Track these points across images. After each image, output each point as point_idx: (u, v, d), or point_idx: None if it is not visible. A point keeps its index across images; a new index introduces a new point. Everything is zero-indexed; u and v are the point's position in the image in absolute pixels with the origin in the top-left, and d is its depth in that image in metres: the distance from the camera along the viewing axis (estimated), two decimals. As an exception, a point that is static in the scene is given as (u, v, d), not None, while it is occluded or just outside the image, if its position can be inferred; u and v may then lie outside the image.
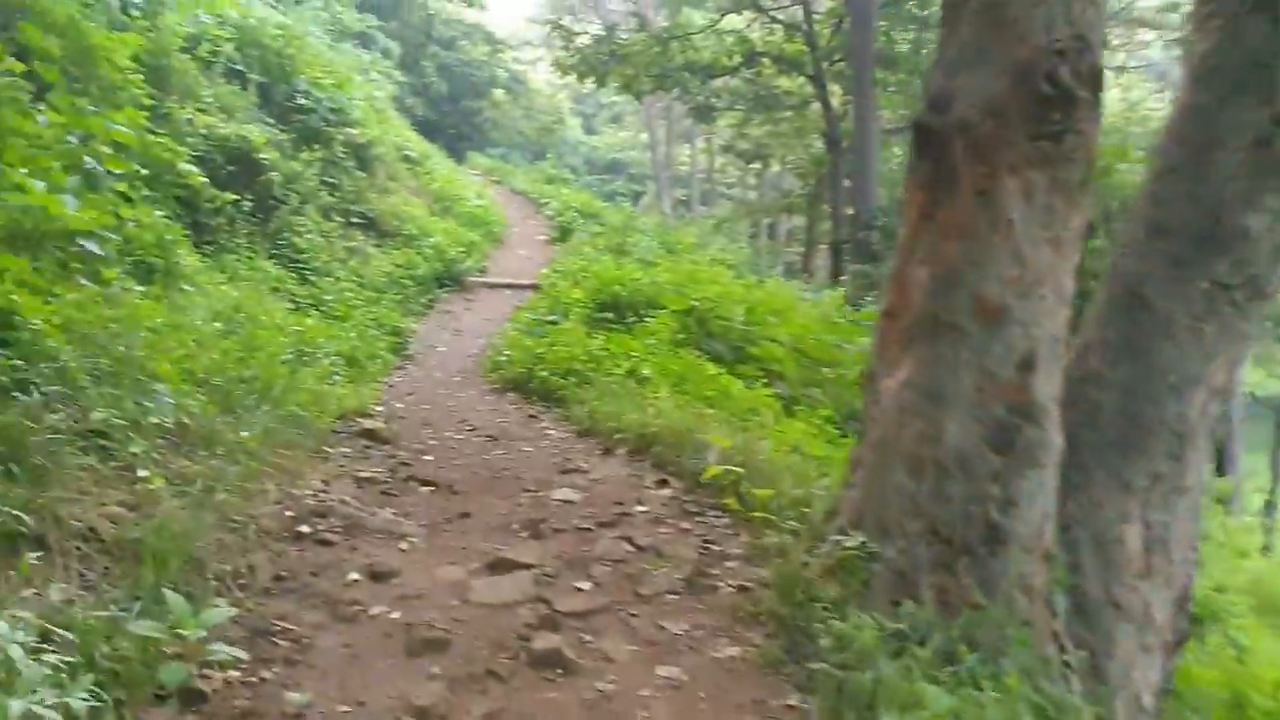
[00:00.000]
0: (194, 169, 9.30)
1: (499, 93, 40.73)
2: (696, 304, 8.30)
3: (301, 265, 10.51)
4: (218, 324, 7.21)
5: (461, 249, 13.16)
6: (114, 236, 6.33)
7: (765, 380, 7.83)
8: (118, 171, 7.25)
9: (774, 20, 23.84)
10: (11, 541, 2.74)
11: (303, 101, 12.95)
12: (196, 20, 12.43)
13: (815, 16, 23.68)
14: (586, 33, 22.08)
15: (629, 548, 3.73)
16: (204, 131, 10.33)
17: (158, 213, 8.06)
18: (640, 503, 4.27)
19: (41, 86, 8.16)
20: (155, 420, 3.71)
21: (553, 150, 43.33)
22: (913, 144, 3.91)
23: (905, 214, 3.92)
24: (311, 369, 6.58)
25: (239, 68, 12.54)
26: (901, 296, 3.87)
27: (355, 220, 12.39)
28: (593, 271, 11.43)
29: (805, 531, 3.80)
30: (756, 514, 3.84)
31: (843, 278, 23.95)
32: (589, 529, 3.93)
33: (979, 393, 3.64)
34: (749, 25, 26.28)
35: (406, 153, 16.59)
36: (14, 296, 3.78)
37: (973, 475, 3.62)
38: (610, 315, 9.46)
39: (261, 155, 11.02)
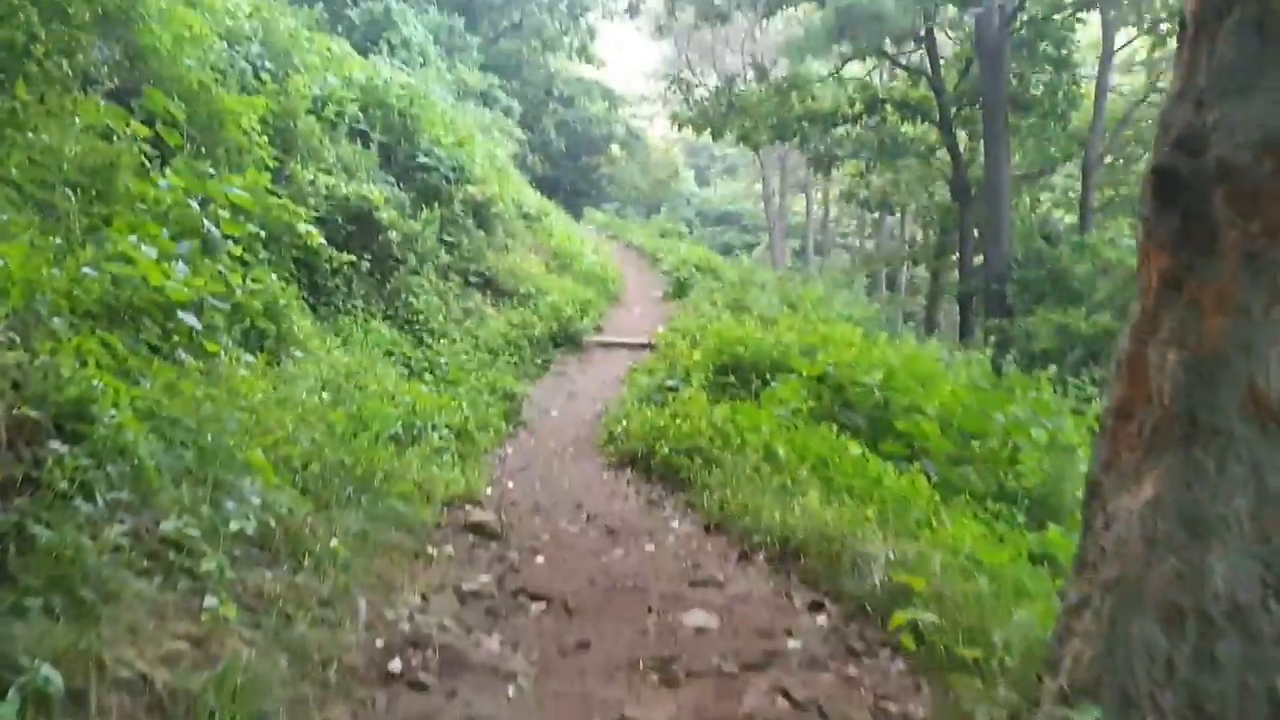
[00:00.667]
0: (313, 229, 9.21)
1: (616, 148, 41.20)
2: (831, 369, 7.50)
3: (417, 327, 10.28)
4: (325, 394, 6.91)
5: (578, 307, 12.78)
6: (222, 305, 6.11)
7: (911, 457, 6.95)
8: (235, 235, 7.13)
9: (898, 65, 23.01)
10: (44, 704, 2.24)
11: (424, 160, 12.96)
12: (324, 82, 12.69)
13: (941, 60, 22.74)
14: (705, 85, 21.83)
15: (784, 703, 2.98)
16: (324, 192, 10.31)
17: (274, 275, 7.93)
18: (791, 634, 3.51)
19: (168, 150, 8.22)
20: (236, 526, 3.23)
21: (667, 203, 43.41)
22: (1149, 195, 3.08)
23: (1140, 281, 3.09)
24: (419, 447, 6.14)
25: (363, 128, 12.67)
26: (1138, 388, 3.03)
27: (473, 279, 12.20)
28: (712, 330, 10.79)
29: (1010, 690, 2.97)
30: (945, 663, 3.03)
31: (972, 335, 22.55)
32: (732, 672, 3.19)
33: (1256, 520, 2.76)
34: (870, 72, 25.54)
35: (525, 210, 16.53)
36: (95, 382, 3.40)
37: (1251, 633, 2.72)
38: (732, 379, 8.76)
39: (380, 214, 10.94)
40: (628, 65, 46.80)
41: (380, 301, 10.53)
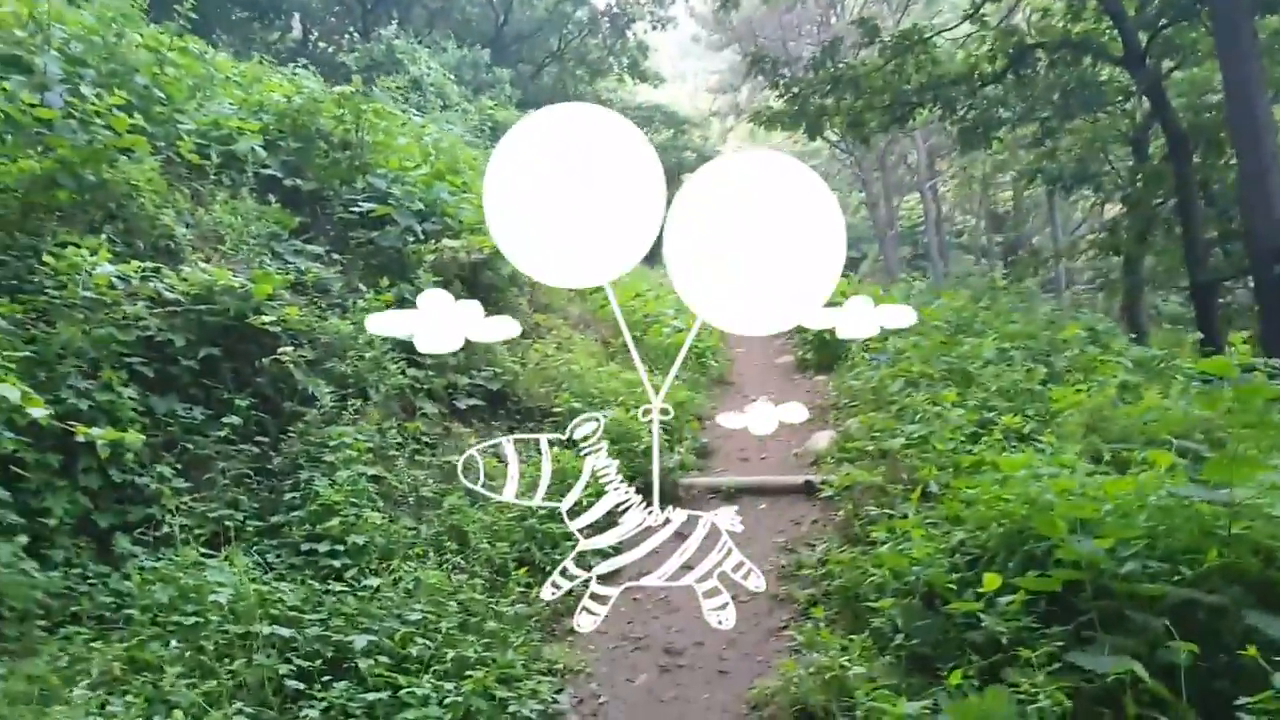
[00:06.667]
0: (23, 394, 3.95)
1: (687, 177, 35.85)
2: None
3: (323, 546, 4.81)
4: None
5: (661, 427, 7.12)
6: None
7: None
8: None
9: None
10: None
11: (371, 207, 7.65)
12: (204, 111, 7.65)
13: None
14: (800, 60, 16.15)
15: None
16: (128, 288, 5.07)
17: None
18: None
19: None
20: None
21: (754, 229, 37.60)
22: None
23: None
24: None
25: (270, 170, 7.52)
26: None
27: (463, 404, 6.70)
28: (960, 465, 4.97)
29: None
30: None
31: (1218, 346, 15.76)
32: None
33: None
34: (1009, 14, 19.39)
35: (567, 263, 11.01)
36: None
37: None
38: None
39: (264, 318, 5.62)
40: (690, 85, 41.78)
41: (262, 494, 5.15)
